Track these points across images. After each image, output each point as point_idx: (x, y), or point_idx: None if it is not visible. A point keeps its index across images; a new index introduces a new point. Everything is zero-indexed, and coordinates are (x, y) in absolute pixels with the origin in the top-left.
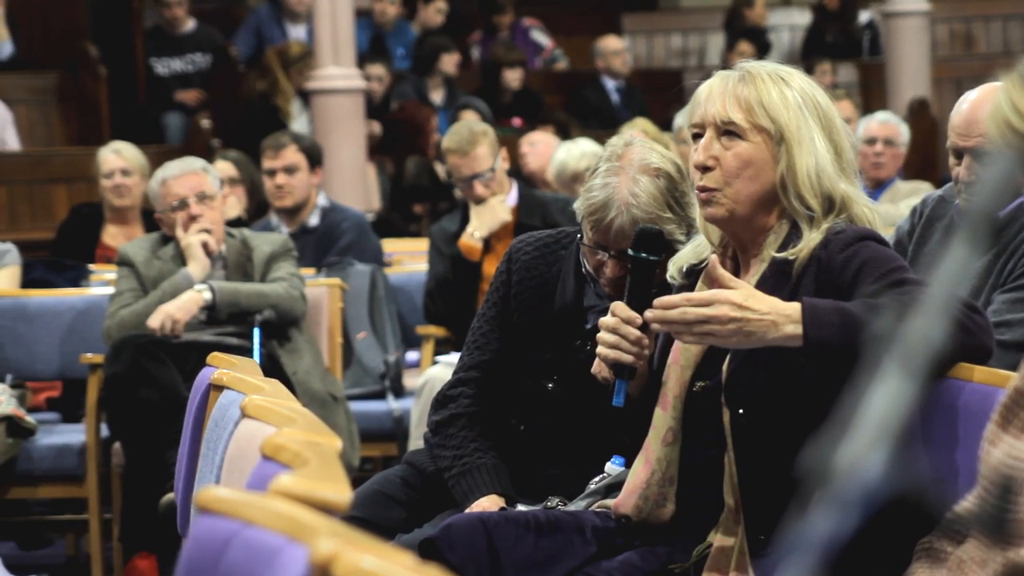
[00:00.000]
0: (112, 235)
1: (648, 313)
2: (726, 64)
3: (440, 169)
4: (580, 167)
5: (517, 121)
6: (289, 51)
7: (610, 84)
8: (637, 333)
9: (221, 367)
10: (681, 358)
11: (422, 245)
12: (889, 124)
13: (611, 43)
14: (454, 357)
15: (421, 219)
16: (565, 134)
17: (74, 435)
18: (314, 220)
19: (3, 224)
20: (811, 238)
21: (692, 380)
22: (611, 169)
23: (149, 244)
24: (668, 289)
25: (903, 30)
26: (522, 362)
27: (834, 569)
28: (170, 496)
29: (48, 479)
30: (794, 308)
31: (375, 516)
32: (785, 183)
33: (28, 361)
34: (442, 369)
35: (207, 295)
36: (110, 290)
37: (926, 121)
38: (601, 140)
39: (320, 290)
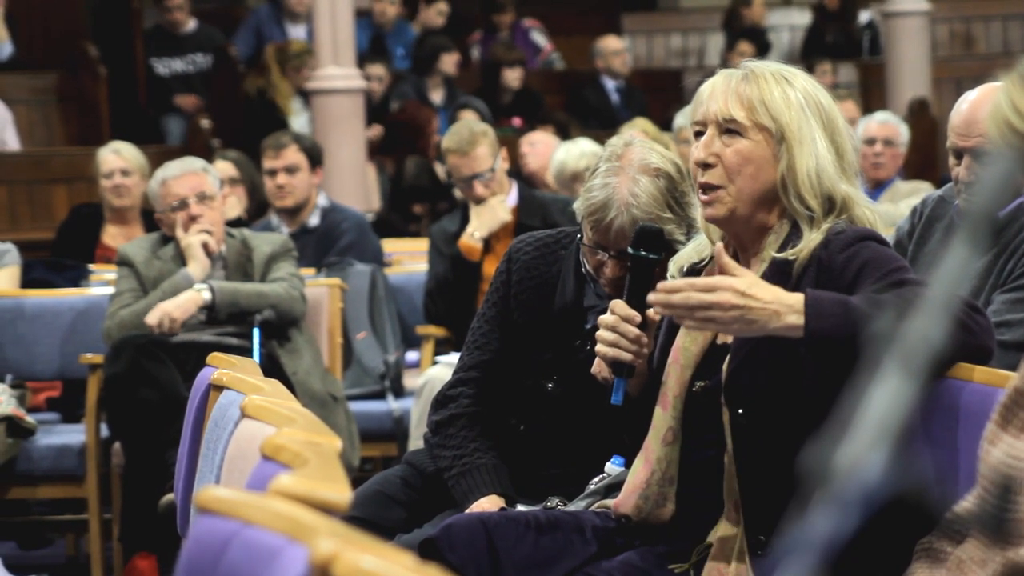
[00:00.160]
0: (112, 235)
1: (651, 296)
2: (726, 64)
3: (440, 169)
4: (579, 167)
5: (517, 121)
6: (289, 48)
7: (610, 84)
8: (636, 331)
9: (221, 367)
10: (681, 357)
11: (422, 245)
12: (888, 124)
13: (611, 43)
14: (454, 357)
15: (421, 219)
16: (565, 134)
17: (74, 435)
18: (314, 220)
19: (3, 224)
20: (811, 238)
21: (692, 380)
22: (611, 169)
23: (149, 244)
24: None
25: (903, 30)
26: (522, 362)
27: (834, 569)
28: (170, 496)
29: (48, 479)
30: (797, 299)
31: (375, 516)
32: (785, 183)
33: (28, 361)
34: (442, 369)
35: (207, 295)
36: (110, 290)
37: (926, 121)
38: (601, 140)
39: (320, 290)
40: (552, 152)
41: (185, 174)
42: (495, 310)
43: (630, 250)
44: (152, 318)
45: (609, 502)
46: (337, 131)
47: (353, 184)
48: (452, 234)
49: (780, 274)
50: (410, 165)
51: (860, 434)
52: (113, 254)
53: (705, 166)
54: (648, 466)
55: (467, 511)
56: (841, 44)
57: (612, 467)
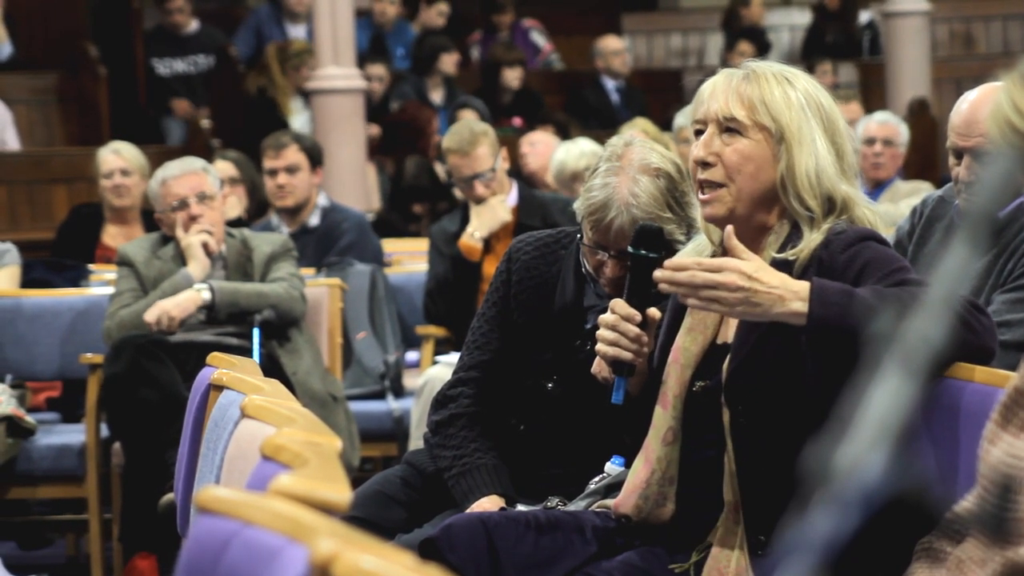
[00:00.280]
0: (112, 235)
1: (657, 272)
2: (726, 64)
3: (440, 169)
4: (579, 167)
5: (517, 121)
6: (289, 48)
7: (610, 84)
8: (636, 330)
9: (221, 367)
10: (681, 357)
11: (422, 245)
12: (888, 124)
13: (611, 43)
14: (454, 357)
15: (421, 219)
16: (564, 134)
17: (74, 435)
18: (314, 220)
19: (3, 224)
20: (812, 238)
21: (692, 379)
22: (611, 169)
23: (149, 244)
24: None
25: (903, 30)
26: (522, 362)
27: (834, 569)
28: (170, 496)
29: (48, 479)
30: (803, 286)
31: (375, 516)
32: (785, 183)
33: (28, 361)
34: (442, 369)
35: (206, 295)
36: (110, 290)
37: (926, 121)
38: (601, 140)
39: (320, 290)
40: (552, 152)
41: (185, 174)
42: (495, 310)
43: (630, 249)
44: (151, 316)
45: (609, 502)
46: (337, 131)
47: (353, 184)
48: (452, 234)
49: None
50: (410, 165)
51: (860, 434)
52: (113, 254)
53: (705, 165)
54: (648, 466)
55: (467, 511)
56: (841, 44)
57: (612, 467)
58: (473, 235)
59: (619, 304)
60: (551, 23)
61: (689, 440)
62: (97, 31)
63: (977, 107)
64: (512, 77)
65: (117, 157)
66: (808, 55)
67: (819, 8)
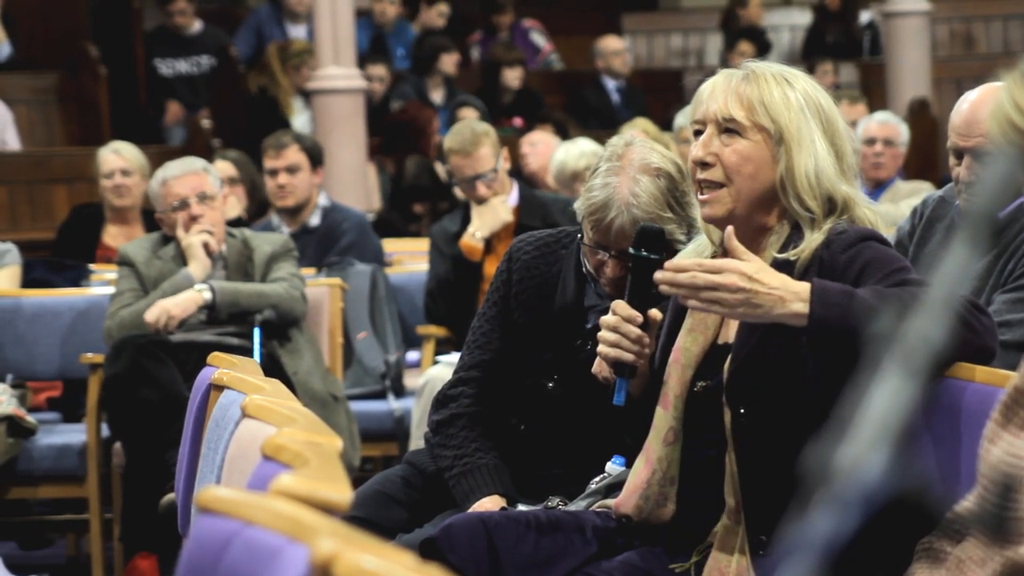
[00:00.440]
0: (112, 235)
1: (658, 274)
2: (726, 64)
3: (440, 169)
4: (579, 167)
5: (518, 121)
6: (290, 48)
7: (610, 84)
8: (638, 332)
9: (221, 367)
10: (682, 357)
11: (422, 245)
12: (888, 124)
13: (611, 43)
14: (454, 357)
15: (421, 219)
16: (563, 134)
17: (74, 435)
18: (315, 220)
19: (3, 224)
20: (813, 239)
21: (693, 380)
22: (611, 169)
23: (149, 244)
24: None
25: (903, 30)
26: (522, 362)
27: (834, 569)
28: (170, 496)
29: (48, 479)
30: (803, 287)
31: (376, 516)
32: (784, 184)
33: (28, 361)
34: (443, 369)
35: (207, 295)
36: (110, 290)
37: (926, 121)
38: (601, 140)
39: (321, 290)
40: (552, 152)
41: (186, 174)
42: (495, 309)
43: (631, 251)
44: (151, 315)
45: (610, 502)
46: (338, 131)
47: (354, 184)
48: (453, 234)
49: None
50: (410, 165)
51: (861, 434)
52: (113, 254)
53: (704, 165)
54: (649, 466)
55: (468, 511)
56: (842, 44)
57: (613, 467)
58: (474, 235)
59: (620, 305)
60: (551, 23)
61: (690, 440)
62: (97, 31)
63: (977, 107)
64: (512, 77)
65: (117, 157)
66: (808, 55)
67: (819, 8)
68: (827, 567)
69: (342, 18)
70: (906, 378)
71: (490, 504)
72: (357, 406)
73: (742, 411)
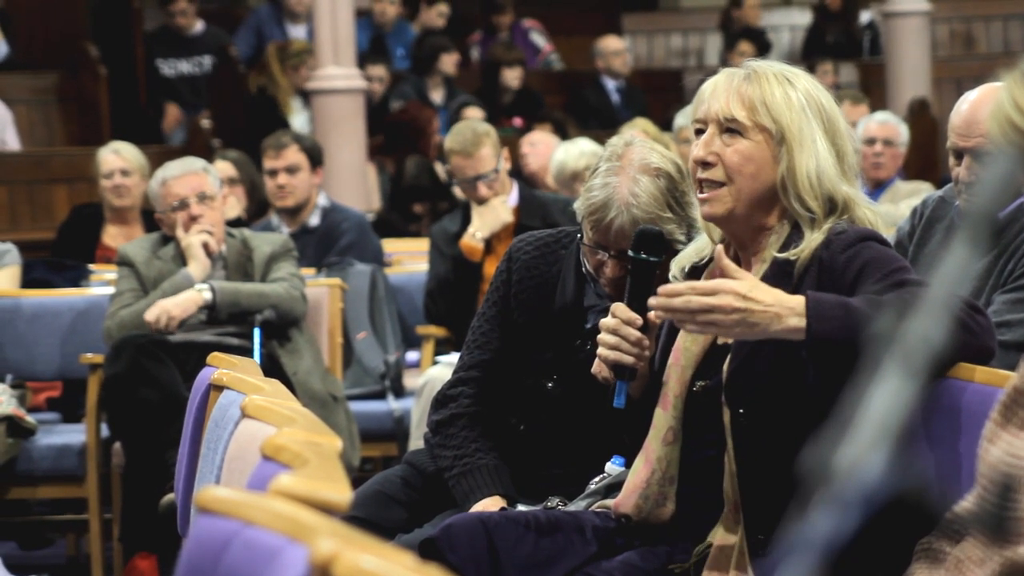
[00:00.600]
0: (112, 235)
1: (652, 300)
2: (726, 64)
3: (440, 169)
4: (579, 167)
5: (518, 121)
6: (289, 48)
7: (610, 84)
8: (637, 334)
9: (221, 367)
10: (682, 358)
11: (422, 245)
12: (888, 124)
13: (611, 43)
14: (454, 357)
15: (421, 219)
16: (563, 134)
17: (74, 435)
18: (315, 220)
19: (3, 224)
20: (812, 239)
21: (693, 380)
22: (611, 169)
23: (149, 244)
24: None
25: (903, 30)
26: (522, 362)
27: (834, 569)
28: (170, 496)
29: (48, 479)
30: (798, 301)
31: (375, 516)
32: (785, 184)
33: (28, 361)
34: (442, 369)
35: (207, 295)
36: (110, 290)
37: (926, 121)
38: (601, 140)
39: (320, 290)
40: (552, 152)
41: (185, 174)
42: (495, 309)
43: (631, 253)
44: (151, 315)
45: (609, 502)
46: (337, 131)
47: (353, 184)
48: (453, 234)
49: (781, 274)
50: (410, 165)
51: (860, 434)
52: (113, 254)
53: (705, 165)
54: (648, 466)
55: (468, 511)
56: (842, 44)
57: (612, 467)
58: (475, 235)
59: (620, 308)
60: (551, 23)
61: (689, 440)
62: (97, 31)
63: (977, 107)
64: (512, 77)
65: (117, 157)
66: (808, 55)
67: (820, 8)
68: (826, 567)
69: (342, 18)
70: (905, 378)
71: (490, 504)
72: (357, 406)
73: (741, 411)
